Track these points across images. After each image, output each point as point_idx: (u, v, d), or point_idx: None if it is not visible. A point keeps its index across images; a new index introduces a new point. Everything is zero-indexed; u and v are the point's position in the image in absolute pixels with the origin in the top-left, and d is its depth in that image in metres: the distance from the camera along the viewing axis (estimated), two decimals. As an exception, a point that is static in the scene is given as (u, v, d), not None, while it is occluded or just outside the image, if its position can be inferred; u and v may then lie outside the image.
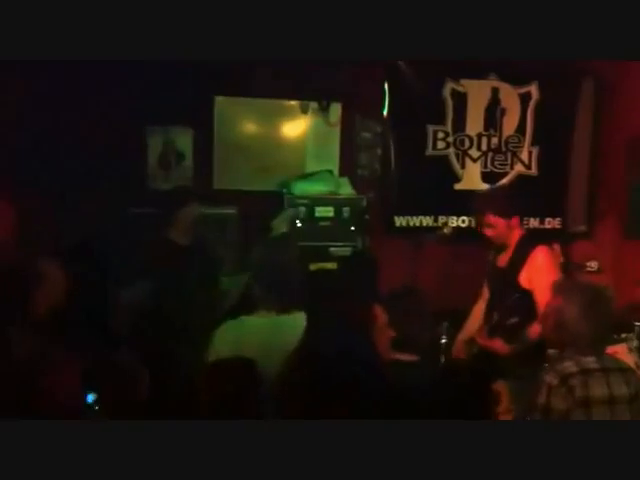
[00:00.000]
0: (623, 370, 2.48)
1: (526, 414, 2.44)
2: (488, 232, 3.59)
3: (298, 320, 2.38)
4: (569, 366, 2.40)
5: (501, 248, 3.63)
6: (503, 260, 3.62)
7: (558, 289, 2.64)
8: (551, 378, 2.40)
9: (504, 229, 3.53)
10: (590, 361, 2.43)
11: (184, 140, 4.66)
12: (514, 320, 3.45)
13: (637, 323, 4.08)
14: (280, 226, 3.82)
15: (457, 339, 3.70)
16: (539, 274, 3.45)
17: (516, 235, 3.58)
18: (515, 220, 3.55)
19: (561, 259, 4.18)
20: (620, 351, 3.58)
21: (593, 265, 4.62)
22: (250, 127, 4.82)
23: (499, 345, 3.44)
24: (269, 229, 3.94)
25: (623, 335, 3.86)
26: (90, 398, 2.09)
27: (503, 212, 3.52)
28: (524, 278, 3.51)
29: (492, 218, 3.53)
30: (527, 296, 3.46)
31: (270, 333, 2.37)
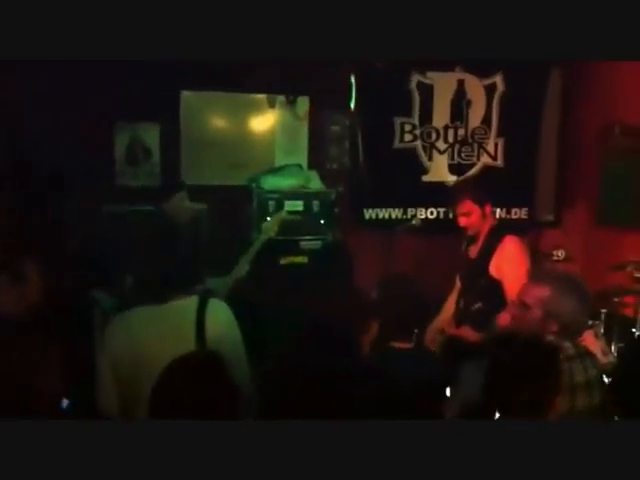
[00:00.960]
0: (586, 356, 2.51)
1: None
2: (463, 221, 3.62)
3: (187, 307, 2.29)
4: None
5: (473, 239, 3.66)
6: (474, 251, 3.66)
7: (539, 279, 2.62)
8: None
9: (479, 217, 3.57)
10: (569, 347, 2.43)
11: (151, 136, 4.62)
12: (477, 306, 3.50)
13: (603, 310, 4.17)
14: (270, 229, 3.77)
15: (429, 329, 3.73)
16: (508, 264, 3.49)
17: (486, 225, 3.62)
18: (488, 208, 3.60)
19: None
20: (587, 338, 3.64)
21: (560, 254, 4.68)
22: (218, 122, 4.80)
23: (468, 333, 3.48)
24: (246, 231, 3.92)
25: (590, 322, 3.94)
26: (65, 404, 2.05)
27: (478, 200, 3.56)
28: (493, 267, 3.55)
29: (468, 206, 3.56)
30: (495, 285, 3.50)
31: (159, 323, 2.26)
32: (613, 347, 4.05)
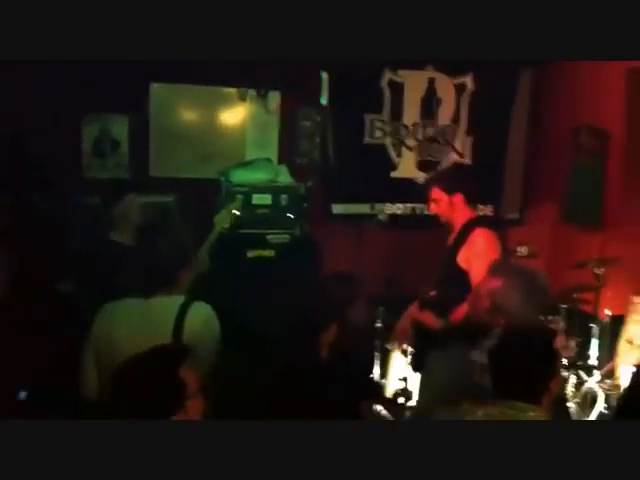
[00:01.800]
0: None
1: (454, 392, 2.50)
2: (434, 208, 3.75)
3: (170, 304, 2.32)
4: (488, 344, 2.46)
5: (450, 228, 3.76)
6: (450, 240, 3.76)
7: (496, 271, 2.69)
8: (479, 356, 2.46)
9: (447, 205, 3.67)
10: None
11: (120, 128, 4.61)
12: (433, 293, 3.59)
13: (563, 305, 4.25)
14: (224, 220, 3.76)
15: (402, 317, 3.84)
16: (476, 256, 3.56)
17: (462, 217, 3.71)
18: (457, 198, 3.68)
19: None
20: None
21: (523, 250, 4.76)
22: (188, 114, 4.80)
23: (429, 319, 3.55)
24: (212, 224, 3.91)
25: (550, 317, 4.02)
26: (22, 395, 2.04)
27: (447, 188, 3.68)
28: (462, 258, 3.62)
29: (436, 193, 3.70)
30: (463, 274, 3.58)
31: (141, 317, 2.30)
32: (573, 342, 4.14)
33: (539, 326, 2.31)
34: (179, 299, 2.34)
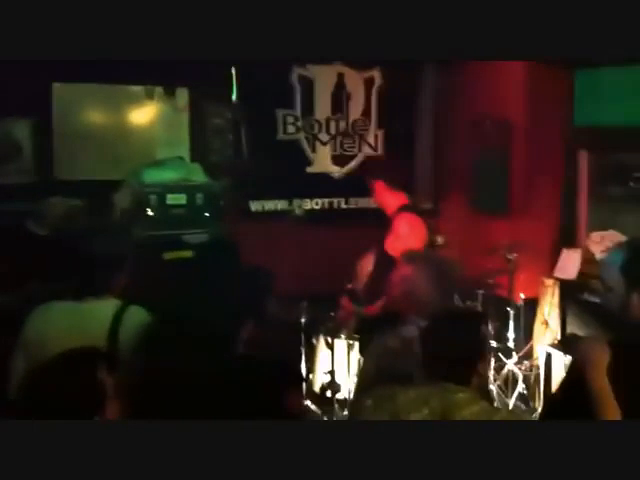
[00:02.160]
0: None
1: (373, 377, 2.49)
2: (374, 197, 3.92)
3: (104, 308, 2.28)
4: (412, 330, 2.46)
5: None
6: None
7: (408, 259, 2.74)
8: (393, 342, 2.47)
9: (381, 194, 3.86)
10: None
11: (21, 131, 4.37)
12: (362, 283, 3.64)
13: (480, 291, 4.38)
14: (123, 200, 3.68)
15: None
16: (399, 240, 3.61)
17: (396, 205, 3.75)
18: (390, 186, 3.74)
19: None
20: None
21: (439, 239, 4.86)
22: (93, 114, 4.61)
23: (347, 305, 3.61)
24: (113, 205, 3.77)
25: (468, 302, 4.12)
26: None
27: (382, 178, 3.89)
28: (388, 244, 3.67)
29: (373, 183, 3.88)
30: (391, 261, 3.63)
31: (73, 321, 2.25)
32: (490, 326, 4.26)
33: (467, 310, 2.36)
34: (112, 303, 2.29)
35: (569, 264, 4.32)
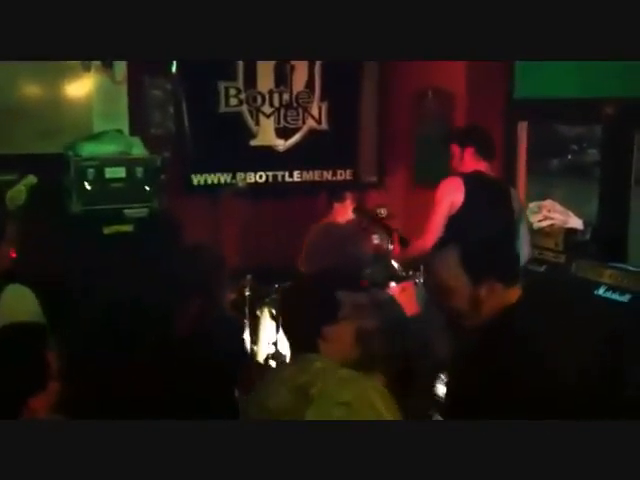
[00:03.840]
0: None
1: None
2: None
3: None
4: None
5: None
6: None
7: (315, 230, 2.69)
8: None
9: None
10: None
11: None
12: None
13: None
14: (18, 196, 3.58)
15: None
16: None
17: None
18: None
19: (352, 206, 4.39)
20: (407, 286, 3.89)
21: (383, 212, 4.90)
22: (28, 89, 4.46)
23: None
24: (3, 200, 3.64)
25: (410, 272, 4.18)
26: None
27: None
28: None
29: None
30: None
31: None
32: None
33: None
34: None
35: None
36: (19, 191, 3.60)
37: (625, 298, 3.57)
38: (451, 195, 3.64)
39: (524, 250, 3.76)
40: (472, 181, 3.68)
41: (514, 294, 2.08)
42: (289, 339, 2.12)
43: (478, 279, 2.02)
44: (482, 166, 3.76)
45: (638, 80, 3.91)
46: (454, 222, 3.59)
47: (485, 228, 3.46)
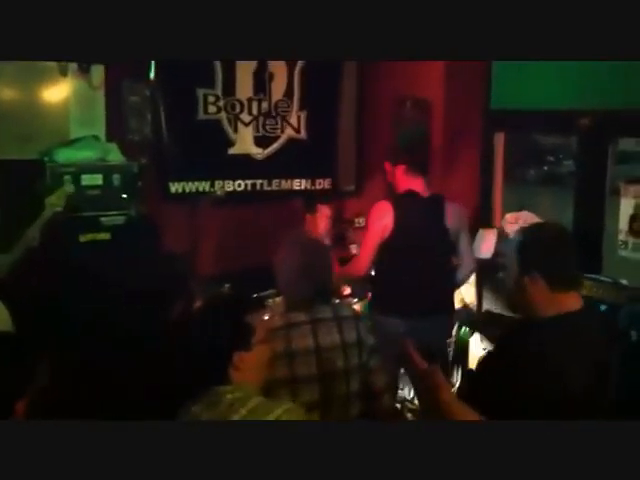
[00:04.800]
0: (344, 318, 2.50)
1: None
2: None
3: None
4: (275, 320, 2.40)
5: None
6: None
7: (286, 242, 2.68)
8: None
9: None
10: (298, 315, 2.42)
11: None
12: None
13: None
14: (57, 203, 3.63)
15: None
16: None
17: None
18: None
19: (330, 216, 4.40)
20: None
21: (361, 221, 4.92)
22: (2, 93, 4.39)
23: None
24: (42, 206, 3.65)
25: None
26: None
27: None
28: None
29: None
30: None
31: None
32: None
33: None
34: None
35: (485, 244, 4.45)
36: (58, 197, 3.66)
37: (600, 309, 3.62)
38: (381, 220, 3.66)
39: (465, 263, 3.79)
40: (402, 203, 3.68)
41: (570, 299, 2.04)
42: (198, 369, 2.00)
43: (526, 269, 2.03)
44: (416, 183, 3.74)
45: (613, 92, 3.98)
46: (387, 245, 3.61)
47: (418, 248, 3.52)
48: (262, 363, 1.99)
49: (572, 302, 2.03)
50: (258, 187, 5.14)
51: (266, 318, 2.13)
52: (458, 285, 3.98)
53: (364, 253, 3.71)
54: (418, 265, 3.60)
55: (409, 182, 3.75)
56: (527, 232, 2.15)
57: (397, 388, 3.68)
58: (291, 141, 5.25)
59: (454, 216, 3.76)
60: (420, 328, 3.37)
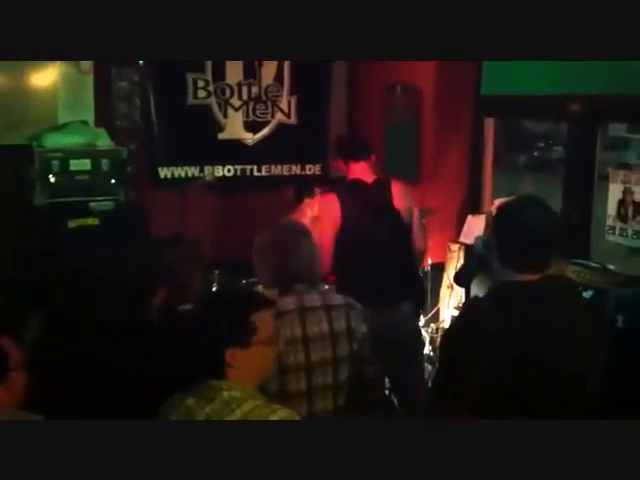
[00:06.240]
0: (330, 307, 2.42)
1: None
2: None
3: None
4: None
5: None
6: None
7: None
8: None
9: None
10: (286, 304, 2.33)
11: None
12: None
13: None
14: None
15: None
16: None
17: None
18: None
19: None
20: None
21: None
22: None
23: None
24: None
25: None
26: None
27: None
28: None
29: None
30: None
31: None
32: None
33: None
34: None
35: (474, 230, 4.46)
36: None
37: (587, 294, 3.64)
38: (328, 213, 3.60)
39: (417, 244, 3.73)
40: (346, 192, 3.64)
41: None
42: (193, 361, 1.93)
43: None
44: (359, 170, 3.69)
45: (602, 77, 3.98)
46: (341, 236, 3.53)
47: (371, 234, 3.47)
48: (262, 365, 1.91)
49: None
50: (248, 172, 5.13)
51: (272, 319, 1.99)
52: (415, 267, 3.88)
53: (322, 250, 3.61)
54: (374, 251, 3.50)
55: (354, 171, 3.72)
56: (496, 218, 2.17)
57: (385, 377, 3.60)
58: (281, 126, 5.23)
59: (401, 196, 3.66)
60: (383, 321, 3.12)
